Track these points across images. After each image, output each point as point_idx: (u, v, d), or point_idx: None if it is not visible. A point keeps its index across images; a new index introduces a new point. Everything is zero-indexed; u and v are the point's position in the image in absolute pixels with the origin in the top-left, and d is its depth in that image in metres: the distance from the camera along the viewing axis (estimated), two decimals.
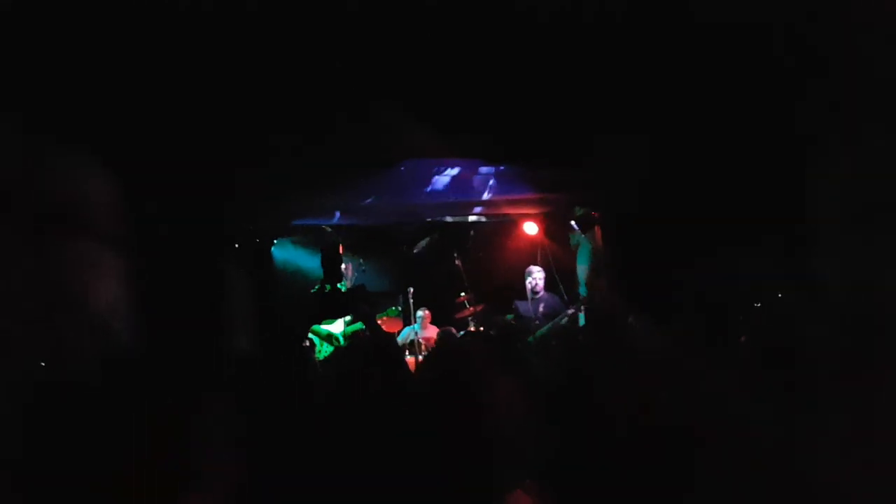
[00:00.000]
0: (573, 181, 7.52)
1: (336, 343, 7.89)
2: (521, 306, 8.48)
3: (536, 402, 3.01)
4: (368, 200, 8.00)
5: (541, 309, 8.32)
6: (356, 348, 4.01)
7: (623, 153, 6.39)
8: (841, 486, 2.49)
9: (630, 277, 7.47)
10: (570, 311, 7.94)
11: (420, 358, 7.85)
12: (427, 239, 9.04)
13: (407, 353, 8.14)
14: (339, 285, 7.55)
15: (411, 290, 8.70)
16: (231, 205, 7.26)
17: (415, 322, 9.03)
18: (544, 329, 7.89)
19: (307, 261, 9.14)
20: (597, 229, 8.59)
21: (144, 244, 5.96)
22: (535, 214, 9.09)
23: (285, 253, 9.29)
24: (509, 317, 8.36)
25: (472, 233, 9.65)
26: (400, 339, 8.78)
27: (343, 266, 7.79)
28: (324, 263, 7.19)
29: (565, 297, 8.54)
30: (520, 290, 8.62)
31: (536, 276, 8.51)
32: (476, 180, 7.87)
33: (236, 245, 8.17)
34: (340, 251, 7.77)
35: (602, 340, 5.55)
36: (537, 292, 8.49)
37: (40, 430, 2.27)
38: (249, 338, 7.49)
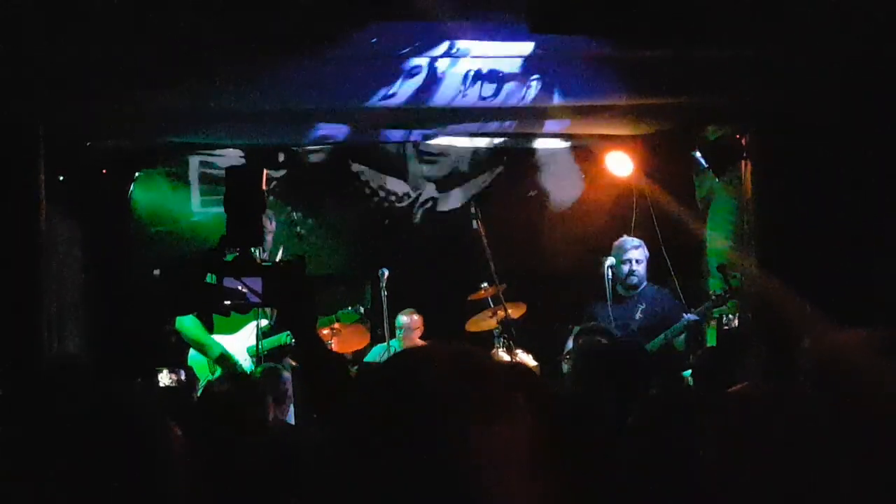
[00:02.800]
0: (704, 76, 6.12)
1: (236, 371, 6.41)
2: (599, 310, 6.78)
3: None
4: (309, 99, 6.49)
5: (638, 315, 6.70)
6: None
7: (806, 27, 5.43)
8: None
9: (807, 258, 6.15)
10: (690, 319, 6.47)
11: None
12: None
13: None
14: (251, 253, 5.01)
15: (386, 273, 7.04)
16: (51, 105, 6.19)
17: (394, 335, 7.41)
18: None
19: (195, 210, 8.09)
20: (744, 167, 7.01)
21: None
22: (627, 139, 7.63)
23: (154, 195, 8.07)
24: (576, 332, 6.30)
25: (500, 171, 8.46)
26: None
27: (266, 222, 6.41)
28: (228, 206, 3.83)
29: (681, 295, 6.94)
30: (592, 281, 6.98)
31: (632, 256, 6.80)
32: (511, 68, 6.29)
33: (60, 179, 6.85)
34: (263, 183, 4.64)
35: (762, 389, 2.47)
36: (633, 285, 6.77)
37: None
38: (79, 340, 6.87)
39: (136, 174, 7.74)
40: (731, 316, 6.43)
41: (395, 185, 8.38)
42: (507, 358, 6.66)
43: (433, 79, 6.23)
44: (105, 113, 6.66)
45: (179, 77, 5.96)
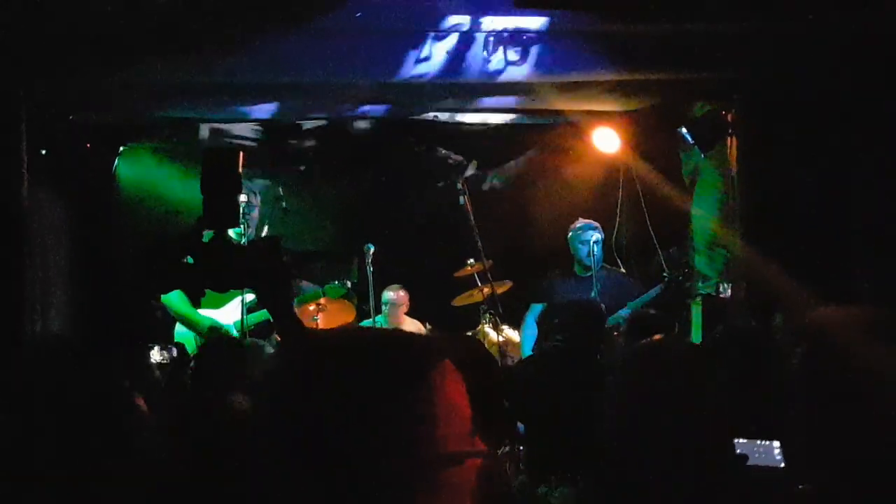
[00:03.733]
0: (691, 51, 6.10)
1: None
2: (560, 288, 6.91)
3: None
4: (298, 73, 6.41)
5: (594, 294, 6.77)
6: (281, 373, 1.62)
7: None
8: None
9: (791, 233, 6.19)
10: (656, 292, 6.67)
11: None
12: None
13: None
14: (232, 233, 4.31)
15: (371, 249, 7.00)
16: (33, 78, 6.12)
17: (379, 311, 7.36)
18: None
19: (179, 185, 7.85)
20: (730, 143, 7.09)
21: None
22: (614, 115, 7.60)
23: (139, 170, 8.05)
24: (536, 309, 6.86)
25: (486, 146, 8.35)
26: None
27: (243, 198, 5.93)
28: (205, 187, 3.45)
29: (666, 268, 7.10)
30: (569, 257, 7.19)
31: (591, 238, 6.96)
32: (496, 40, 6.21)
33: (43, 152, 6.71)
34: (240, 165, 4.21)
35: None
36: (590, 265, 6.90)
37: None
38: (64, 317, 6.79)
39: (121, 149, 7.62)
40: (725, 285, 6.38)
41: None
42: (493, 334, 6.49)
43: (419, 55, 6.15)
44: (88, 86, 6.53)
45: (165, 50, 5.81)
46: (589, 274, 6.86)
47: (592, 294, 6.73)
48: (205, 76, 6.45)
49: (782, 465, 2.99)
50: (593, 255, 6.81)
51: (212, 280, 3.26)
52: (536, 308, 6.89)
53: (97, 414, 2.02)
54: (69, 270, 6.97)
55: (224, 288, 3.63)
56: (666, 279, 6.81)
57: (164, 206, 7.80)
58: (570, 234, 7.07)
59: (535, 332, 6.59)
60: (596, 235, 6.95)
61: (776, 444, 3.07)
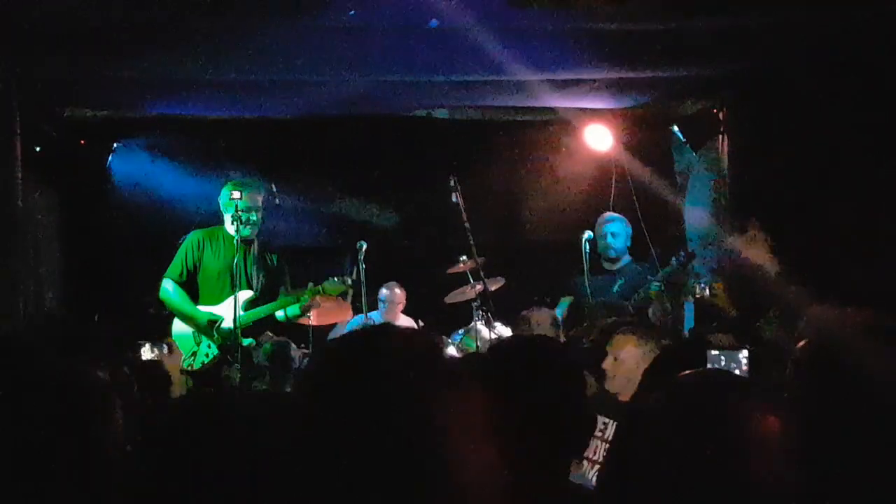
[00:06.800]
0: (683, 49, 6.09)
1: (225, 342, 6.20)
2: (578, 283, 6.88)
3: None
4: (292, 69, 6.47)
5: (615, 289, 6.83)
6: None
7: None
8: None
9: (782, 232, 6.25)
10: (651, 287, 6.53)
11: None
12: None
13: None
14: (238, 230, 6.05)
15: (364, 246, 6.80)
16: (27, 74, 6.22)
17: (372, 308, 7.32)
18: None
19: (173, 182, 7.91)
20: (721, 141, 7.29)
21: None
22: (606, 112, 7.68)
23: (133, 167, 7.96)
24: (564, 304, 6.91)
25: (479, 143, 8.27)
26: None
27: (235, 194, 6.01)
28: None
29: (658, 267, 6.87)
30: (571, 255, 7.00)
31: (607, 230, 6.93)
32: (490, 38, 6.03)
33: (37, 149, 6.83)
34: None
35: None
36: (612, 258, 6.94)
37: None
38: (56, 313, 6.82)
39: (115, 145, 7.61)
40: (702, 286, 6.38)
41: None
42: (485, 331, 6.53)
43: (412, 52, 6.11)
44: (82, 82, 6.54)
45: (159, 46, 5.82)
46: (615, 267, 6.87)
47: (614, 289, 6.75)
48: (199, 73, 6.40)
49: (748, 374, 3.01)
50: (612, 248, 6.75)
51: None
52: (564, 303, 6.91)
53: (70, 413, 1.94)
54: (62, 267, 6.93)
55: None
56: (676, 262, 6.68)
57: (158, 202, 7.78)
58: (595, 228, 7.07)
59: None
60: (612, 228, 6.92)
61: (744, 352, 3.09)
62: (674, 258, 6.61)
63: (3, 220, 6.21)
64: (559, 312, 6.65)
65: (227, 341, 6.01)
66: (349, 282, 6.73)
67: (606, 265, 6.92)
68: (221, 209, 6.12)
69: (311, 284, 6.39)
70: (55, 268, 6.80)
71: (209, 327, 5.96)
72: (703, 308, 6.41)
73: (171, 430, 2.19)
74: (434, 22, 5.68)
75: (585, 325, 5.57)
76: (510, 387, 2.23)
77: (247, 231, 5.94)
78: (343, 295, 6.83)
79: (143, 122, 7.61)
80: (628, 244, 7.01)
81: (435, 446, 1.34)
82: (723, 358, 2.96)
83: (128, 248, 7.44)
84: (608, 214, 7.10)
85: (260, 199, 6.29)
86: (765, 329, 5.30)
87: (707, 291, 6.03)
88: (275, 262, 6.11)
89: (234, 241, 5.83)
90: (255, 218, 6.15)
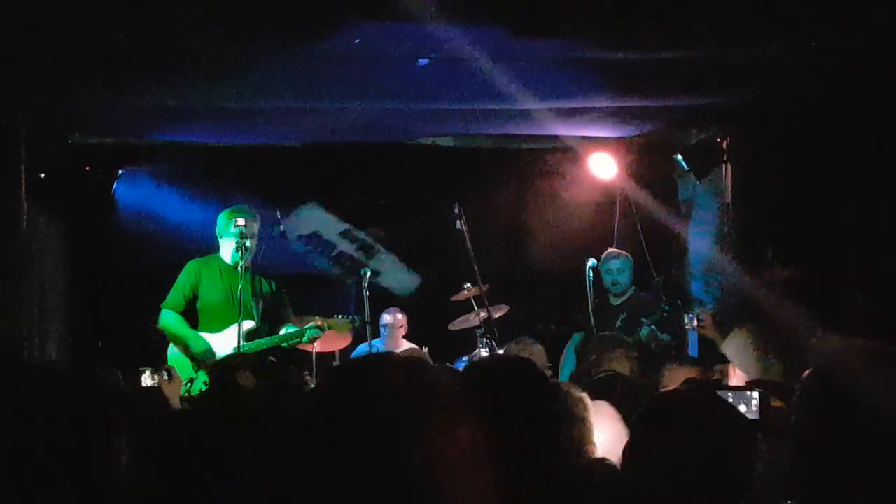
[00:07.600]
0: (687, 79, 6.09)
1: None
2: (596, 316, 6.94)
3: None
4: (297, 97, 6.55)
5: (618, 324, 6.77)
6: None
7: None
8: None
9: (786, 260, 6.32)
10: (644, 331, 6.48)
11: None
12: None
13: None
14: (232, 256, 6.13)
15: (368, 272, 7.03)
16: (32, 102, 6.25)
17: (376, 335, 7.31)
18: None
19: (178, 209, 7.97)
20: (725, 170, 7.30)
21: None
22: (611, 141, 7.71)
23: (138, 193, 8.03)
24: (576, 338, 6.81)
25: (484, 170, 8.35)
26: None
27: (240, 221, 6.06)
28: None
29: (664, 297, 6.77)
30: (575, 282, 7.12)
31: (612, 266, 7.00)
32: (494, 66, 6.01)
33: (42, 176, 6.86)
34: None
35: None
36: (618, 293, 6.99)
37: None
38: (60, 343, 6.87)
39: (120, 172, 7.60)
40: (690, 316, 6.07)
41: None
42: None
43: (416, 81, 6.16)
44: (87, 109, 6.58)
45: (163, 74, 5.83)
46: (620, 301, 6.91)
47: (617, 325, 6.76)
48: (203, 100, 6.44)
49: (758, 417, 2.96)
50: (618, 284, 6.80)
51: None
52: (576, 338, 6.88)
53: (76, 436, 1.93)
54: (67, 293, 6.92)
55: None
56: (664, 311, 6.68)
57: (163, 228, 7.79)
58: (599, 265, 7.09)
59: (575, 361, 6.45)
60: (617, 264, 6.97)
61: (755, 394, 3.05)
62: (665, 304, 6.64)
63: (9, 244, 6.22)
64: (571, 347, 6.57)
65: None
66: (357, 323, 6.76)
67: (612, 299, 6.94)
68: (220, 236, 6.05)
69: (316, 319, 6.23)
70: (60, 292, 6.75)
71: (206, 356, 5.94)
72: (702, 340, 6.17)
73: (167, 450, 2.18)
74: (424, 61, 5.67)
75: (593, 357, 5.44)
76: (488, 405, 2.15)
77: (247, 258, 5.97)
78: (351, 332, 6.88)
79: (149, 148, 7.62)
80: (632, 277, 7.03)
81: (427, 476, 1.34)
82: (730, 396, 2.92)
83: (132, 274, 7.40)
84: (613, 251, 7.12)
85: (257, 226, 6.31)
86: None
87: (695, 322, 5.95)
88: (273, 289, 6.06)
89: (237, 269, 5.82)
90: (252, 245, 6.18)
